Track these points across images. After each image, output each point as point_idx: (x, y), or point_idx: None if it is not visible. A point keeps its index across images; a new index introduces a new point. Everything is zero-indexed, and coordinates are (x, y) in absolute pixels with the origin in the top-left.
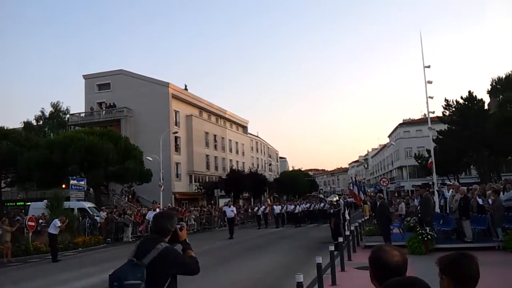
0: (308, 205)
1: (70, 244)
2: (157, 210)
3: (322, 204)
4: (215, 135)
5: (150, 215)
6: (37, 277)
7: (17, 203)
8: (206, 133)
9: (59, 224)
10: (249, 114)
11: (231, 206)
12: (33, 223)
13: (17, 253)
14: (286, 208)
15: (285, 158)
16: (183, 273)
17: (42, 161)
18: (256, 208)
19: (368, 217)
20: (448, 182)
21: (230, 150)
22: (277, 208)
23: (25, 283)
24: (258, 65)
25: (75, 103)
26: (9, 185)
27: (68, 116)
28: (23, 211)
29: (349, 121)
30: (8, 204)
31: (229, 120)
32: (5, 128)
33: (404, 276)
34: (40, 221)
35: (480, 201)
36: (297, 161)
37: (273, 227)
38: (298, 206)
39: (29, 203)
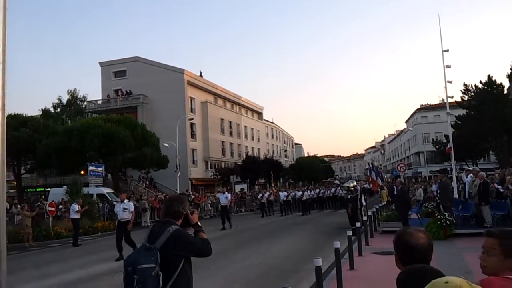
0: (317, 190)
1: (89, 229)
2: (125, 201)
3: (333, 190)
4: (230, 122)
5: (118, 208)
6: (58, 261)
7: (37, 189)
8: (222, 119)
9: (77, 209)
10: (264, 100)
11: (226, 192)
12: (53, 209)
13: (38, 238)
14: (295, 194)
15: (300, 144)
16: (195, 254)
17: (61, 147)
18: (260, 195)
19: (385, 202)
20: (467, 168)
21: (246, 136)
22: (283, 195)
23: (46, 267)
24: (273, 51)
25: (92, 91)
26: (29, 172)
27: (85, 103)
28: (43, 197)
29: (366, 106)
30: (28, 190)
31: (244, 107)
32: (24, 115)
33: (424, 264)
34: (60, 206)
35: (499, 188)
36: (313, 147)
37: (278, 215)
38: (306, 192)
39: (48, 189)
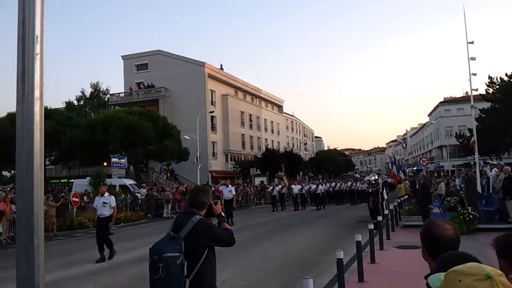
0: (333, 184)
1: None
2: (106, 195)
3: (349, 183)
4: (250, 115)
5: (96, 202)
6: (82, 251)
7: (61, 180)
8: (242, 112)
9: None
10: (285, 93)
11: (229, 185)
12: (77, 199)
13: (62, 227)
14: (310, 187)
15: (320, 137)
16: (218, 244)
17: (84, 140)
18: (271, 188)
19: (407, 196)
20: (491, 162)
21: (266, 129)
22: (296, 188)
23: (70, 256)
24: (294, 44)
25: (115, 84)
26: (53, 163)
27: (108, 96)
28: (67, 188)
29: (388, 100)
30: (52, 181)
31: (264, 99)
32: (48, 108)
33: (458, 250)
34: (84, 197)
35: None
36: (333, 141)
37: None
38: (320, 186)
39: (72, 180)
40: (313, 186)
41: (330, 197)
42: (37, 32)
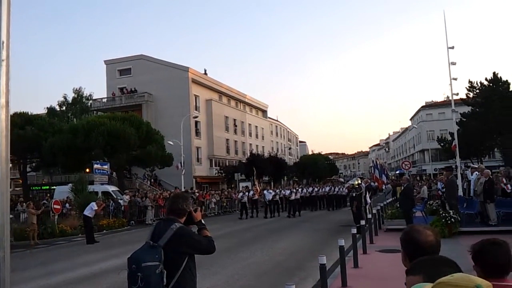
0: (310, 189)
1: (95, 227)
2: None
3: (327, 188)
4: (234, 119)
5: None
6: (63, 259)
7: (43, 187)
8: (226, 117)
9: (96, 208)
10: (269, 98)
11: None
12: (58, 206)
13: (44, 235)
14: (285, 193)
15: (304, 142)
16: (199, 252)
17: (66, 146)
18: (241, 194)
19: (393, 198)
20: (472, 165)
21: (250, 134)
22: (269, 194)
23: (51, 264)
24: (277, 49)
25: (97, 89)
26: (34, 170)
27: (90, 101)
28: (48, 195)
29: (370, 104)
30: (33, 188)
31: (248, 104)
32: (29, 114)
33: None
34: (66, 204)
35: (505, 187)
36: (317, 145)
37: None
38: (295, 191)
39: (54, 187)
40: (287, 192)
41: (308, 203)
42: (3, 37)
